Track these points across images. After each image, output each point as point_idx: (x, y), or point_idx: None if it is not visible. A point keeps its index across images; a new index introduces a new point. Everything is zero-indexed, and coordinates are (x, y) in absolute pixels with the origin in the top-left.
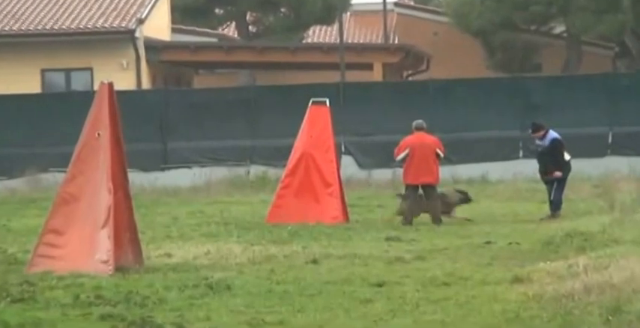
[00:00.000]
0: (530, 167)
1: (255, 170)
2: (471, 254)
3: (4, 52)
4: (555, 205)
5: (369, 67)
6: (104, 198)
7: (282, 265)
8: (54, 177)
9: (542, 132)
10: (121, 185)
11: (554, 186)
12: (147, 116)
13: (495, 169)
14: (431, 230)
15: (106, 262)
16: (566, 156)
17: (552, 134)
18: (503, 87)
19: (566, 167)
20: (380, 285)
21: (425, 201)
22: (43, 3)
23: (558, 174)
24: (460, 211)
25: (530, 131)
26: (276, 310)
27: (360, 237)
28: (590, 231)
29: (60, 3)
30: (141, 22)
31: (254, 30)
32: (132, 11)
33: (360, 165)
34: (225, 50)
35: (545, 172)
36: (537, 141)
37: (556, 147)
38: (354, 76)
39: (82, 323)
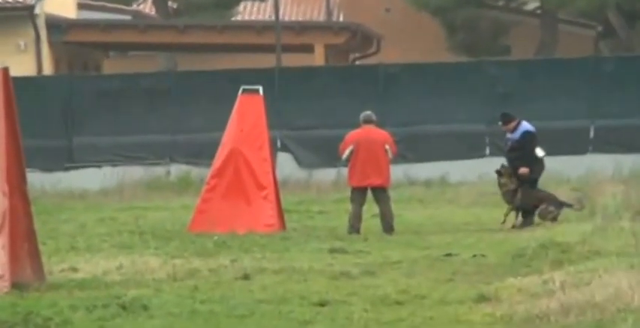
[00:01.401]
0: (497, 166)
1: (177, 170)
2: (428, 268)
3: None
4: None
5: (309, 49)
6: None
7: (208, 281)
8: None
9: (513, 124)
10: (17, 187)
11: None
12: (49, 106)
13: (457, 169)
14: (382, 240)
15: (0, 277)
16: (539, 152)
17: (525, 126)
18: (467, 74)
19: (538, 165)
20: (322, 305)
21: (536, 195)
22: None
23: (525, 170)
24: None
25: (499, 123)
26: None
27: (298, 248)
28: (568, 242)
29: None
30: None
31: (174, 6)
32: None
33: (300, 164)
34: (140, 29)
35: (515, 171)
36: (508, 135)
37: (527, 140)
38: (291, 60)
39: None
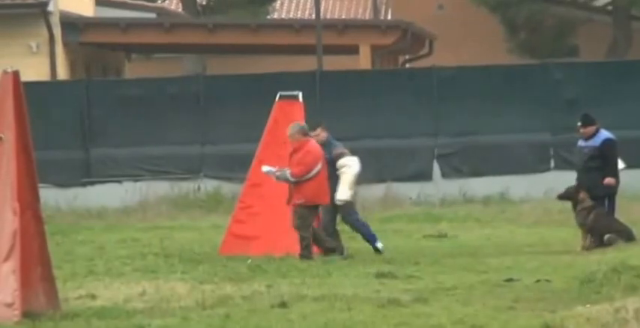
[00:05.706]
0: (564, 181)
1: (206, 185)
2: (486, 295)
3: None
4: None
5: (353, 50)
6: (8, 221)
7: (241, 309)
8: None
9: (592, 129)
10: (29, 204)
11: (606, 205)
12: (64, 115)
13: (519, 184)
14: (435, 263)
15: (10, 305)
16: (620, 164)
17: (605, 133)
18: (530, 77)
19: (618, 178)
20: None
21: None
22: None
23: (611, 180)
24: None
25: (578, 124)
26: None
27: (342, 273)
28: None
29: None
30: None
31: (203, 2)
32: None
33: None
34: (165, 29)
35: (593, 185)
36: (581, 143)
37: (610, 147)
38: (334, 63)
39: None
